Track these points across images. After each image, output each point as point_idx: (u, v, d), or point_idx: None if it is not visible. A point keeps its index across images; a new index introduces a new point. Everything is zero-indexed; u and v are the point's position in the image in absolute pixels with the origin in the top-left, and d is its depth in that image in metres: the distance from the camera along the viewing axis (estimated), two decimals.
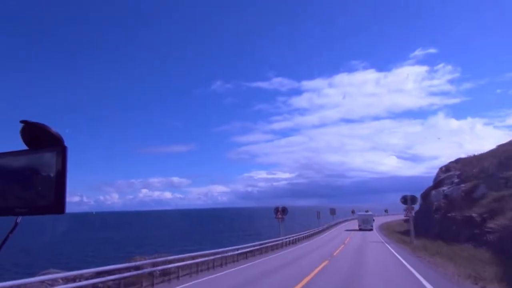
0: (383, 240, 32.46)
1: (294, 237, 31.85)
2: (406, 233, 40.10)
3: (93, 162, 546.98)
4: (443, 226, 28.43)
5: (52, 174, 1.28)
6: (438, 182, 35.68)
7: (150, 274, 13.28)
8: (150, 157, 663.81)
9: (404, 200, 28.29)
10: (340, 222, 64.73)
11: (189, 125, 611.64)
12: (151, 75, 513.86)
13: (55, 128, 1.34)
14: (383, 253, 22.23)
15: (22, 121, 1.33)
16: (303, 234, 35.59)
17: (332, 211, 58.30)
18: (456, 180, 31.73)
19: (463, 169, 32.74)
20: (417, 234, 34.04)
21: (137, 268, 13.02)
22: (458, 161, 38.67)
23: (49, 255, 38.22)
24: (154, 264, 13.80)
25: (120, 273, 12.19)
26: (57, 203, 1.26)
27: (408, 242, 28.01)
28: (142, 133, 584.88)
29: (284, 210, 30.35)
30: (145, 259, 14.82)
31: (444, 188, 32.50)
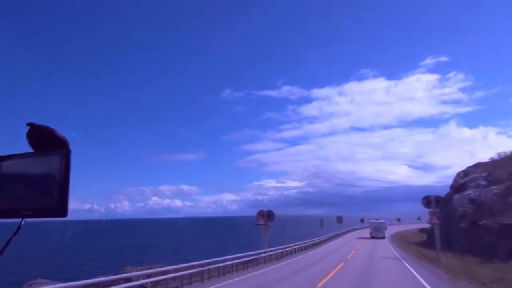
0: (398, 255, 26.08)
1: (278, 251, 25.49)
2: (423, 244, 36.79)
3: (104, 170, 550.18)
4: (471, 236, 25.43)
5: (55, 177, 1.28)
6: (460, 186, 32.73)
7: (141, 286, 12.54)
8: (161, 165, 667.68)
9: (427, 201, 23.23)
10: (348, 231, 61.65)
11: (199, 133, 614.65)
12: (161, 84, 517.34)
13: (61, 131, 1.35)
14: (404, 283, 14.73)
15: (28, 124, 1.34)
16: (295, 246, 29.74)
17: (339, 219, 55.10)
18: (483, 183, 28.93)
19: (492, 170, 29.84)
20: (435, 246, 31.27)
21: (127, 280, 12.32)
22: (478, 165, 36.55)
23: (46, 263, 37.30)
24: (146, 276, 13.04)
25: (110, 285, 11.49)
26: (60, 206, 1.25)
27: (434, 258, 22.45)
28: (153, 141, 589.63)
29: (269, 215, 25.50)
30: (137, 270, 14.09)
31: (469, 191, 29.59)
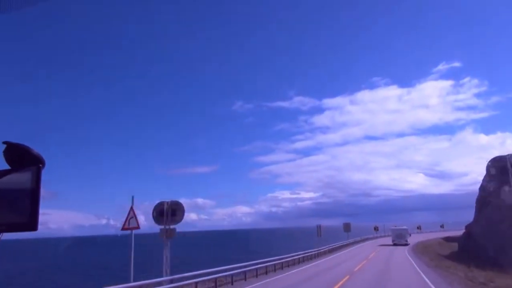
0: None
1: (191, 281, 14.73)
2: (457, 258, 26.44)
3: (120, 185, 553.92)
4: None
5: (27, 193, 1.33)
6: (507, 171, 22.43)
7: None
8: (175, 179, 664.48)
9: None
10: (356, 242, 51.29)
11: (212, 146, 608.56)
12: (173, 98, 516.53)
13: (36, 149, 1.43)
14: None
15: (4, 142, 1.39)
16: (247, 267, 19.18)
17: (346, 227, 45.62)
18: None
19: None
20: (479, 260, 21.39)
21: None
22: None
23: (45, 280, 37.22)
24: None
25: None
26: (31, 220, 1.31)
27: None
28: (167, 155, 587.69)
29: (174, 212, 14.74)
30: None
31: None
